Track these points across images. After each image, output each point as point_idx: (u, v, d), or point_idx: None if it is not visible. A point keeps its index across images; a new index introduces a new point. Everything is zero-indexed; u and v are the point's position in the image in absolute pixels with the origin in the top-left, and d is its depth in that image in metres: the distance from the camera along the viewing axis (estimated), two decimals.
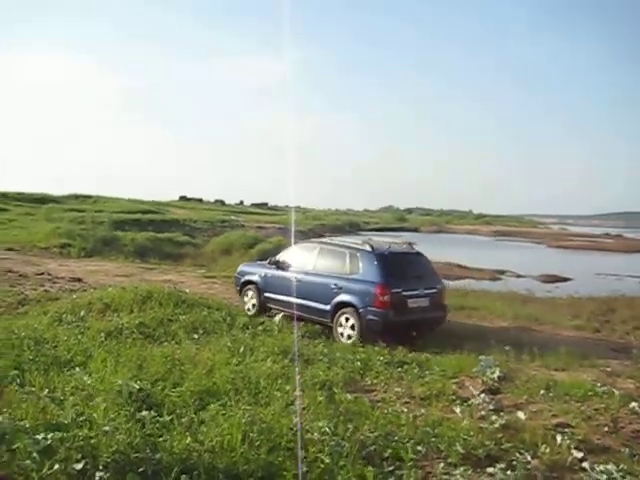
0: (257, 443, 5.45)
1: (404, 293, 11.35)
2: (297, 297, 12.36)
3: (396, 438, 6.11)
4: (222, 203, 75.87)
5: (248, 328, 11.33)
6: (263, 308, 13.32)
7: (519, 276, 30.93)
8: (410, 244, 13.62)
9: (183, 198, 73.51)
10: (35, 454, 4.38)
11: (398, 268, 11.65)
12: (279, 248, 27.06)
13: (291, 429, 5.94)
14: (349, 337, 11.31)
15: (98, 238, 29.78)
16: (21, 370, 7.48)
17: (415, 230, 78.07)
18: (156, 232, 35.57)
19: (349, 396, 7.55)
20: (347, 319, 11.45)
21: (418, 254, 12.72)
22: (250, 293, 13.68)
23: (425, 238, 61.02)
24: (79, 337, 9.43)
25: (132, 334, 9.99)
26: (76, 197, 60.52)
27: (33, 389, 6.62)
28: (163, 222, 44.25)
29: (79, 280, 17.10)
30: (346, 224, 70.62)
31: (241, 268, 14.58)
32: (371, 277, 11.34)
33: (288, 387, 7.44)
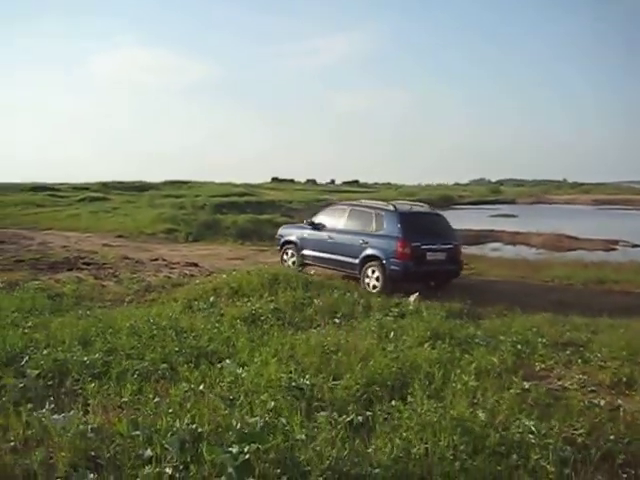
0: (461, 447, 4.64)
1: (423, 247, 12.82)
2: (330, 253, 14.07)
3: (612, 437, 5.15)
4: (314, 182, 75.59)
5: (386, 310, 10.52)
6: (301, 264, 14.71)
7: (635, 245, 28.85)
8: (430, 206, 15.62)
9: (275, 179, 73.62)
10: (231, 470, 3.70)
11: (418, 225, 13.28)
12: None
13: (485, 426, 5.10)
14: (374, 287, 12.82)
15: (201, 222, 29.66)
16: (169, 363, 6.94)
17: (512, 202, 75.31)
18: (254, 214, 35.27)
19: (526, 384, 6.64)
20: (373, 271, 12.99)
21: (437, 214, 14.55)
22: (290, 252, 15.24)
23: (524, 210, 58.83)
24: (217, 325, 8.86)
25: (268, 320, 9.38)
26: (172, 183, 61.53)
27: (191, 385, 6.02)
28: (259, 204, 44.17)
29: (195, 265, 16.77)
30: (440, 198, 68.71)
31: (281, 230, 16.24)
32: (393, 233, 12.84)
33: (465, 377, 6.55)
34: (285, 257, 15.40)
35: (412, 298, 11.69)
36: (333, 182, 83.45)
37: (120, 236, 25.71)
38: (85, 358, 6.90)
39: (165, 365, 6.83)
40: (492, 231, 35.60)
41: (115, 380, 6.40)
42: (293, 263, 14.92)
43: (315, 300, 10.66)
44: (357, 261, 13.32)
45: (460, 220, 39.67)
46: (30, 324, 8.53)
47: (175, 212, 32.01)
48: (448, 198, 71.37)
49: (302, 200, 50.55)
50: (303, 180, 78.06)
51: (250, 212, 36.82)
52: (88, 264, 16.73)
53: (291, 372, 6.39)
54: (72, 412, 5.34)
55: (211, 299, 10.87)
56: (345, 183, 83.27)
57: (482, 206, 66.17)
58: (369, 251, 13.11)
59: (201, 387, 6.03)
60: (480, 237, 32.51)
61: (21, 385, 5.99)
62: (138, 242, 23.94)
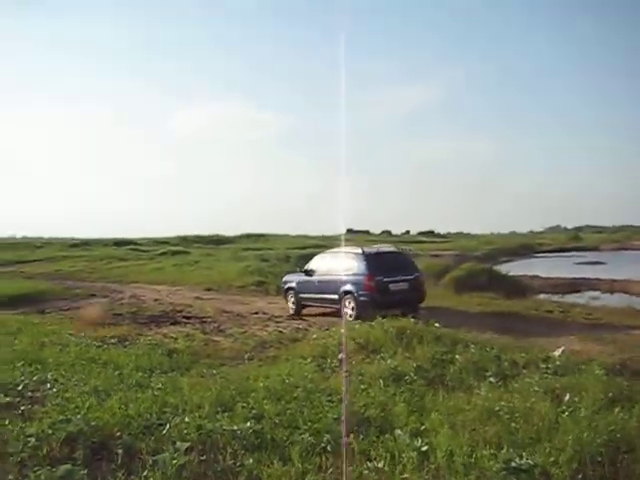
0: None
1: (385, 280, 15.31)
2: (319, 293, 16.71)
3: None
4: (389, 234, 74.65)
5: (532, 366, 9.27)
6: (299, 305, 17.54)
7: None
8: (396, 246, 19.51)
9: (350, 231, 72.78)
10: None
11: (382, 263, 15.79)
12: (472, 275, 24.85)
13: None
14: (350, 315, 15.20)
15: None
16: (329, 432, 5.93)
17: (594, 249, 72.18)
18: None
19: None
20: (349, 302, 15.50)
21: (399, 253, 17.61)
22: (290, 296, 17.90)
23: (610, 257, 56.04)
24: (361, 387, 7.79)
25: (414, 380, 8.26)
26: (248, 236, 61.62)
27: (373, 462, 4.98)
28: None
29: (300, 319, 15.87)
30: (520, 247, 66.63)
31: (285, 278, 19.02)
32: (361, 271, 15.47)
33: None
34: (287, 299, 18.14)
35: (557, 352, 10.45)
36: (408, 232, 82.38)
37: (209, 289, 25.26)
38: (234, 427, 5.93)
39: (328, 436, 5.79)
40: (586, 279, 33.60)
41: (274, 454, 5.42)
42: (293, 304, 17.72)
43: (457, 356, 9.49)
44: (337, 296, 15.81)
45: (546, 269, 37.97)
46: (159, 385, 7.65)
47: (260, 264, 31.43)
48: (528, 246, 69.04)
49: None
50: (378, 231, 77.14)
51: None
52: (188, 317, 16.15)
53: (493, 450, 5.26)
54: None
55: (339, 356, 9.84)
56: (420, 233, 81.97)
57: (563, 254, 63.61)
58: (345, 287, 15.62)
59: (381, 464, 4.99)
60: (575, 285, 30.67)
61: (174, 462, 5.04)
62: (229, 295, 23.33)
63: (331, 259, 16.98)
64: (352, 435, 5.87)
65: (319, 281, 16.74)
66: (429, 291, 21.88)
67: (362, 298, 15.14)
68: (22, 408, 6.83)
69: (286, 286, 18.32)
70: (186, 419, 6.17)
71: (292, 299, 17.78)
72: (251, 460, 5.32)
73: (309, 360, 9.59)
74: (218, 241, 58.28)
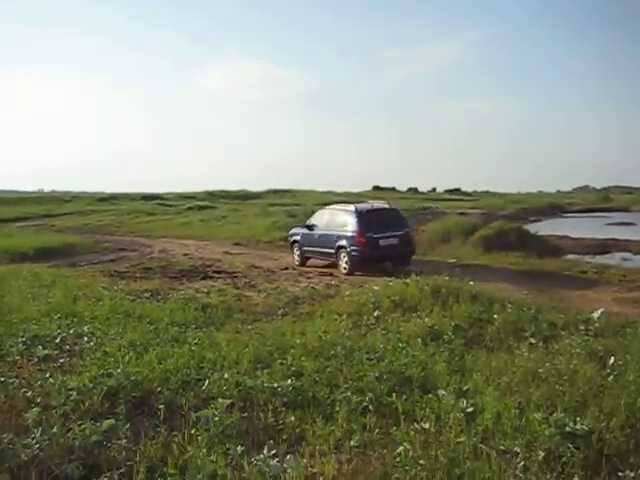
0: None
1: (375, 236, 16.26)
2: (318, 247, 17.78)
3: None
4: (415, 191, 73.97)
5: (571, 327, 9.06)
6: (304, 257, 18.64)
7: None
8: (389, 203, 19.53)
9: (376, 188, 72.45)
10: None
11: (372, 219, 16.67)
12: (501, 233, 24.54)
13: None
14: (344, 268, 16.51)
15: None
16: (372, 391, 5.80)
17: (625, 210, 70.87)
18: None
19: None
20: (344, 257, 16.62)
21: (391, 209, 18.07)
22: (296, 249, 19.02)
23: None
24: (400, 345, 7.64)
25: (452, 339, 8.11)
26: (275, 192, 61.41)
27: (421, 424, 4.85)
28: None
29: (331, 274, 15.73)
30: (549, 206, 65.66)
31: (291, 232, 20.11)
32: (353, 227, 16.43)
33: None
34: (293, 253, 19.22)
35: (596, 314, 10.18)
36: (434, 190, 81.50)
37: (237, 244, 25.23)
38: (274, 384, 5.85)
39: (371, 395, 5.68)
40: (617, 240, 32.99)
41: (316, 412, 5.33)
42: (298, 256, 18.82)
43: (495, 315, 9.30)
44: (333, 250, 16.90)
45: (577, 229, 37.38)
46: (195, 340, 7.58)
47: (287, 220, 31.27)
48: (557, 206, 68.00)
49: (407, 208, 48.92)
50: (404, 189, 76.48)
51: None
52: (218, 272, 16.12)
53: (537, 411, 5.10)
54: (289, 457, 4.30)
55: (375, 313, 9.71)
56: (447, 191, 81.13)
57: (593, 214, 62.57)
58: (340, 242, 16.68)
59: (427, 426, 4.86)
60: (605, 246, 30.12)
61: (216, 419, 4.96)
62: (258, 250, 23.29)
63: (329, 215, 18.03)
64: (394, 395, 5.74)
65: (319, 235, 17.78)
66: (460, 249, 22.03)
67: (354, 253, 16.26)
68: (61, 361, 6.82)
69: (292, 239, 19.40)
70: (225, 375, 6.09)
71: (297, 251, 18.90)
72: (293, 418, 5.24)
73: (344, 317, 9.47)
74: (244, 196, 58.23)
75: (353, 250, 16.24)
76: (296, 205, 43.27)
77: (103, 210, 47.48)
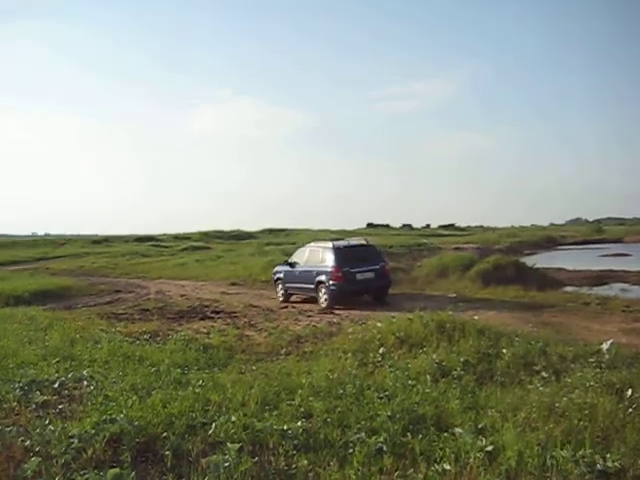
0: None
1: (351, 270, 17.09)
2: (300, 283, 18.45)
3: None
4: (409, 227, 74.08)
5: (582, 360, 8.85)
6: (287, 293, 19.20)
7: None
8: (365, 239, 20.21)
9: (370, 225, 72.48)
10: None
11: (349, 255, 17.53)
12: (499, 267, 24.49)
13: None
14: (323, 302, 17.22)
15: None
16: (386, 432, 5.56)
17: (618, 241, 70.92)
18: None
19: None
20: (323, 292, 17.41)
21: (366, 245, 19.08)
22: (280, 286, 19.53)
23: (635, 249, 54.91)
24: (410, 383, 7.44)
25: (461, 376, 7.91)
26: (270, 231, 61.34)
27: (442, 465, 4.62)
28: None
29: (331, 312, 15.53)
30: (543, 239, 65.75)
31: (274, 269, 20.70)
32: (331, 263, 17.21)
33: None
34: (277, 290, 19.72)
35: (606, 345, 9.99)
36: (429, 226, 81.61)
37: (234, 284, 25.00)
38: (284, 426, 5.61)
39: (385, 435, 5.44)
40: (613, 271, 32.87)
41: (329, 455, 5.10)
42: (282, 294, 19.30)
43: (504, 350, 9.09)
44: (313, 286, 17.66)
45: (572, 261, 37.31)
46: (199, 382, 7.34)
47: (284, 258, 31.09)
48: (551, 239, 68.07)
49: (403, 245, 48.92)
50: (398, 225, 76.58)
51: None
52: (217, 312, 15.92)
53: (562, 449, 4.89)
54: None
55: (380, 350, 9.50)
56: (441, 227, 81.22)
57: (587, 246, 62.56)
58: (319, 277, 17.43)
59: (448, 467, 4.64)
60: (602, 278, 30.00)
61: (226, 464, 4.72)
62: (255, 289, 23.06)
63: (309, 252, 18.77)
64: (409, 434, 5.52)
65: (299, 272, 18.50)
66: (458, 283, 21.94)
67: (332, 287, 17.01)
68: (60, 407, 6.57)
69: (275, 276, 20.04)
70: (232, 418, 5.85)
71: (281, 289, 19.42)
72: (305, 461, 5.00)
73: (349, 355, 9.26)
74: (239, 236, 58.09)
75: (332, 285, 17.01)
76: (291, 244, 43.10)
77: (97, 252, 47.31)
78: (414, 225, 78.10)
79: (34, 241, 62.61)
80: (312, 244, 19.64)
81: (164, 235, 60.35)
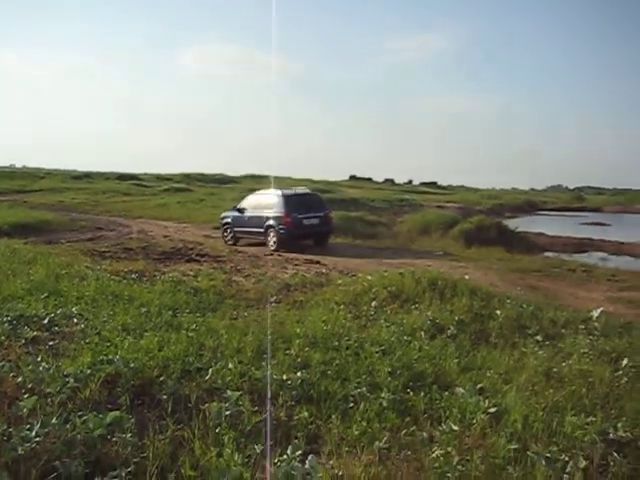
0: None
1: (299, 216, 18.47)
2: (248, 227, 19.70)
3: None
4: (392, 182, 73.82)
5: (573, 326, 8.84)
6: (235, 237, 20.21)
7: None
8: (309, 189, 22.25)
9: (353, 177, 72.10)
10: None
11: (297, 202, 18.90)
12: (481, 228, 24.73)
13: None
14: (272, 245, 18.49)
15: None
16: (386, 387, 5.47)
17: (597, 210, 71.41)
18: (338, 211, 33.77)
19: None
20: (272, 235, 18.68)
21: (312, 194, 20.61)
22: (228, 230, 20.47)
23: (614, 219, 55.32)
24: (406, 338, 7.36)
25: (455, 334, 7.85)
26: (252, 177, 60.79)
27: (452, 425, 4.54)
28: (342, 201, 42.58)
29: (317, 262, 15.34)
30: (524, 203, 66.08)
31: (222, 215, 21.43)
32: (281, 209, 18.53)
33: None
34: (225, 234, 20.55)
35: (596, 313, 9.97)
36: (411, 182, 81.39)
37: (217, 228, 24.66)
38: (283, 376, 5.50)
39: (386, 391, 5.34)
40: (592, 240, 33.09)
41: (331, 409, 5.00)
42: (230, 237, 20.26)
43: (497, 311, 9.03)
44: (262, 230, 18.88)
45: (551, 227, 37.53)
46: (192, 326, 7.18)
47: None
48: (532, 204, 68.51)
49: (385, 199, 48.81)
50: (381, 179, 76.23)
51: (334, 209, 35.26)
52: (202, 255, 15.72)
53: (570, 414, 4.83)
54: (310, 457, 3.95)
55: (373, 304, 9.40)
56: (423, 184, 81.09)
57: (567, 213, 62.99)
58: (268, 222, 18.72)
59: (455, 427, 4.56)
60: (582, 246, 30.28)
61: (227, 413, 4.60)
62: None
63: (258, 199, 20.05)
64: (410, 391, 5.45)
65: (249, 217, 19.66)
66: (440, 242, 22.05)
67: (282, 231, 18.36)
68: (50, 343, 6.38)
69: (223, 221, 20.88)
70: (229, 365, 5.72)
71: (230, 234, 20.31)
72: (306, 413, 4.89)
73: (342, 307, 9.15)
74: (221, 180, 57.54)
75: (281, 229, 18.38)
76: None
77: (77, 188, 46.57)
78: (396, 180, 77.77)
79: (12, 173, 61.39)
80: (261, 191, 21.23)
81: (146, 175, 59.57)
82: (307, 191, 20.94)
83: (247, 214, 19.83)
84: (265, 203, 19.36)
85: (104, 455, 4.03)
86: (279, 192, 19.33)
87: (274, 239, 18.59)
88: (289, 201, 18.79)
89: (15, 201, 35.19)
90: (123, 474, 3.70)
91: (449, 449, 4.22)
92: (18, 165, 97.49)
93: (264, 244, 18.94)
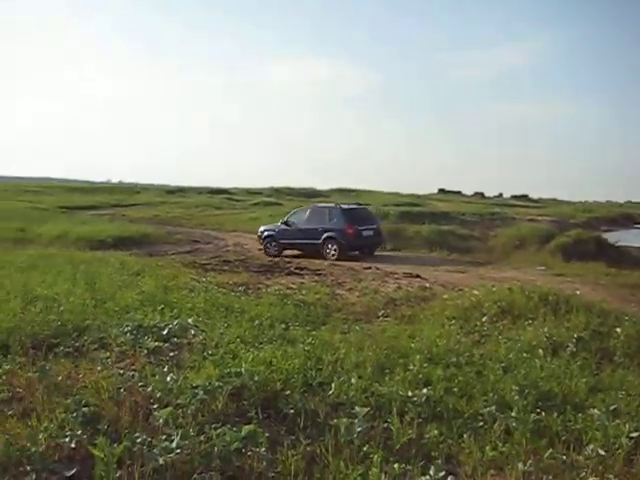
0: None
1: (359, 228, 19.73)
2: (300, 239, 20.46)
3: None
4: (482, 195, 72.41)
5: None
6: (280, 249, 20.70)
7: None
8: (359, 204, 24.61)
9: (441, 191, 71.22)
10: None
11: (355, 215, 20.35)
12: (580, 242, 23.96)
13: None
14: (333, 255, 19.34)
15: (386, 231, 28.16)
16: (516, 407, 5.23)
17: None
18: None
19: None
20: (332, 245, 19.57)
21: (364, 207, 22.91)
22: (272, 242, 20.88)
23: None
24: (525, 356, 7.08)
25: (575, 352, 7.50)
26: (340, 191, 60.98)
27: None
28: (432, 214, 42.00)
29: (417, 276, 15.09)
30: (620, 216, 63.51)
31: (262, 229, 21.81)
32: (342, 221, 19.71)
33: None
34: (268, 245, 20.95)
35: None
36: (501, 195, 79.65)
37: None
38: (408, 392, 5.34)
39: (517, 411, 5.09)
40: None
41: (461, 427, 4.82)
42: (274, 249, 20.74)
43: (617, 329, 8.57)
44: (320, 241, 19.69)
45: None
46: (308, 339, 7.12)
47: None
48: (629, 216, 65.80)
49: (475, 212, 47.86)
50: (470, 193, 74.94)
51: (426, 222, 34.82)
52: (301, 269, 15.75)
53: None
54: (450, 478, 3.77)
55: (484, 319, 9.13)
56: (513, 197, 79.21)
57: None
58: (328, 234, 19.65)
59: (601, 452, 4.29)
60: None
61: (359, 429, 4.49)
62: None
63: (312, 213, 20.97)
64: (541, 412, 5.20)
65: (300, 229, 20.48)
66: (537, 256, 21.45)
67: (343, 242, 19.47)
68: (170, 354, 6.46)
69: (265, 234, 21.30)
70: (352, 380, 5.62)
71: (274, 244, 20.92)
72: (436, 431, 4.72)
73: (453, 322, 8.92)
74: (310, 194, 57.97)
75: (344, 240, 19.45)
76: (365, 205, 42.66)
77: (171, 202, 47.88)
78: (486, 194, 76.27)
79: (111, 188, 63.86)
80: (316, 205, 23.09)
81: (236, 189, 60.79)
82: (361, 205, 23.43)
83: (298, 227, 20.70)
84: (321, 216, 20.48)
85: (238, 469, 4.00)
86: (337, 205, 21.11)
87: (334, 249, 19.52)
88: (350, 214, 20.23)
89: (114, 215, 36.50)
90: None
91: (594, 477, 3.98)
92: (114, 180, 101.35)
93: (313, 255, 19.68)
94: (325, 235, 19.73)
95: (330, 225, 19.84)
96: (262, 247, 21.41)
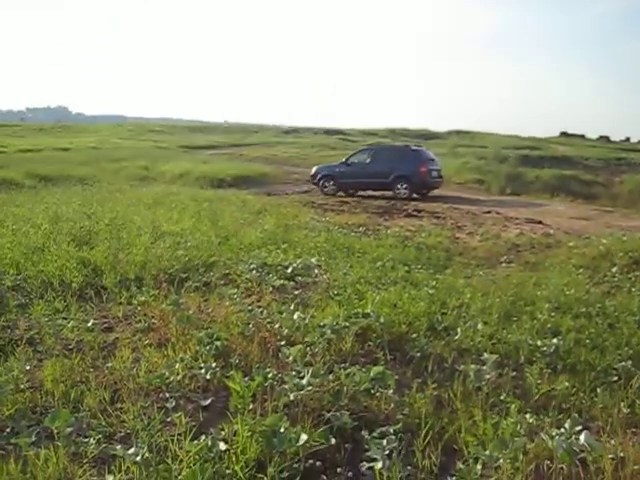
0: None
1: (429, 167, 20.30)
2: (363, 178, 20.60)
3: None
4: (607, 139, 68.17)
5: None
6: (339, 188, 20.99)
7: None
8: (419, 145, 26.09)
9: (564, 134, 67.68)
10: None
11: (424, 156, 20.83)
12: None
13: None
14: (404, 194, 19.66)
15: (506, 174, 27.30)
16: None
17: None
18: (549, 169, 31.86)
19: None
20: (402, 184, 19.80)
21: (426, 150, 22.20)
22: (329, 182, 21.11)
23: None
24: None
25: None
26: (457, 133, 59.38)
27: None
28: (553, 158, 40.18)
29: (539, 222, 14.54)
30: None
31: (317, 169, 22.00)
32: (415, 160, 20.19)
33: None
34: (326, 185, 21.11)
35: None
36: (628, 140, 74.86)
37: None
38: (537, 342, 5.18)
39: None
40: None
41: (594, 381, 4.63)
42: (332, 189, 20.97)
43: None
44: (389, 180, 19.89)
45: None
46: (433, 283, 7.02)
47: (478, 162, 30.01)
48: None
49: (599, 157, 45.35)
50: (594, 136, 70.86)
51: (546, 167, 33.36)
52: (419, 211, 15.56)
53: None
54: (584, 433, 3.61)
55: (614, 269, 8.69)
56: None
57: None
58: (397, 172, 19.82)
59: None
60: None
61: (487, 376, 4.40)
62: (450, 191, 22.38)
63: (377, 152, 21.56)
64: None
65: (367, 169, 20.66)
66: None
67: (415, 181, 19.80)
68: (295, 292, 6.56)
69: (321, 174, 21.49)
70: (478, 326, 5.50)
71: (332, 185, 21.08)
72: (567, 383, 4.54)
73: (580, 271, 8.55)
74: (425, 136, 56.75)
75: (416, 179, 19.78)
76: (482, 147, 41.33)
77: (287, 142, 48.20)
78: (612, 138, 71.90)
79: (227, 128, 65.09)
80: (382, 146, 25.28)
81: (352, 129, 60.46)
82: (424, 148, 23.27)
83: (362, 166, 20.96)
84: (391, 156, 20.81)
85: (366, 410, 4.02)
86: (407, 147, 21.91)
87: (405, 188, 19.75)
88: (420, 155, 20.75)
89: (232, 154, 37.22)
90: (391, 431, 3.63)
91: None
92: (231, 121, 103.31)
93: (376, 194, 20.36)
94: (395, 174, 19.90)
95: (400, 165, 19.96)
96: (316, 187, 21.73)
